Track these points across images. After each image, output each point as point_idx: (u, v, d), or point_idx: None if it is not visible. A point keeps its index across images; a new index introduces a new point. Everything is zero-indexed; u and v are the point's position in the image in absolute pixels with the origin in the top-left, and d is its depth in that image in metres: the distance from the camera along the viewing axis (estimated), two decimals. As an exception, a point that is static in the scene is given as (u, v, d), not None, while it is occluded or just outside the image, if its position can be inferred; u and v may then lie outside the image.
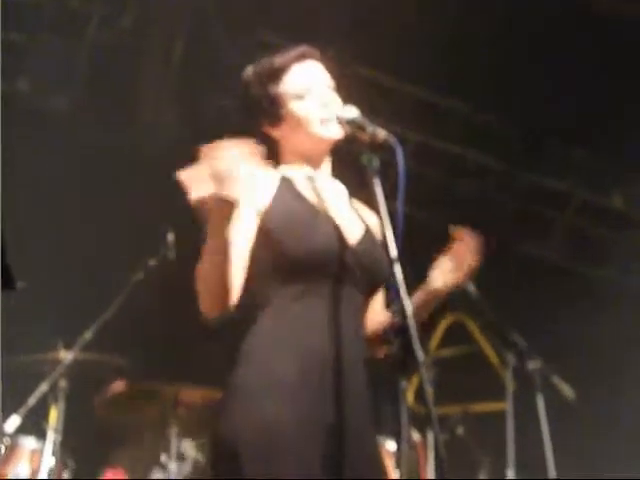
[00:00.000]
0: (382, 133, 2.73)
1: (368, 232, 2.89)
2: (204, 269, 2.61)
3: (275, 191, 2.81)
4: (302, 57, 2.98)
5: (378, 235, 2.88)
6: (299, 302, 2.72)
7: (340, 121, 2.86)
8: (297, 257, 2.71)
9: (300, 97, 2.91)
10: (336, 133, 2.88)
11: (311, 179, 2.93)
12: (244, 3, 6.36)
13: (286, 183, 2.86)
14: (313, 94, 2.92)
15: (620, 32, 6.26)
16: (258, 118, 2.97)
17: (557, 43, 6.42)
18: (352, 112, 2.85)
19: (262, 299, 2.75)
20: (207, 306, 2.65)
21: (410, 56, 6.52)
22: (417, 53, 6.45)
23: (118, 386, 5.51)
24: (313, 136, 2.91)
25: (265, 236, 2.73)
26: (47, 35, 6.33)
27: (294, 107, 2.92)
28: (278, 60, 2.97)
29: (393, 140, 2.72)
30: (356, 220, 2.93)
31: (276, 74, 2.95)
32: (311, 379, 2.65)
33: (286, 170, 2.93)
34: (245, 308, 2.74)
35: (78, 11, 6.47)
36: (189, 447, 5.21)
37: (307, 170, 2.95)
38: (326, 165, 3.00)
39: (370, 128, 2.76)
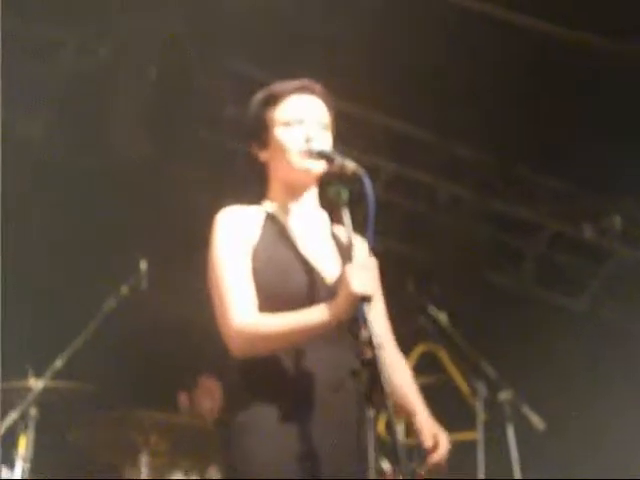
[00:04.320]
0: (351, 165, 2.75)
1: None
2: (291, 337, 2.74)
3: (261, 231, 2.91)
4: (302, 89, 3.04)
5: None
6: None
7: (310, 153, 2.89)
8: (275, 301, 2.80)
9: (287, 125, 2.98)
10: (315, 167, 2.92)
11: (293, 216, 2.99)
12: (217, 31, 6.38)
13: (271, 222, 2.95)
14: (300, 126, 2.97)
15: (591, 64, 6.32)
16: (249, 139, 3.06)
17: (529, 73, 6.47)
18: (319, 144, 2.89)
19: None
20: (249, 351, 2.79)
21: (384, 87, 6.57)
22: (391, 85, 6.50)
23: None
24: (292, 166, 2.95)
25: (253, 273, 2.85)
26: (22, 61, 6.33)
27: (279, 134, 2.98)
28: (278, 87, 3.06)
29: (362, 172, 2.73)
30: (335, 257, 2.98)
31: (273, 99, 3.03)
32: (290, 415, 2.75)
33: (270, 206, 3.01)
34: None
35: (53, 37, 6.48)
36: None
37: (290, 203, 3.01)
38: (310, 195, 3.04)
39: (339, 160, 2.78)
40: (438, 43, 6.23)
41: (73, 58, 6.49)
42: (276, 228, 2.94)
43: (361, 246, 2.96)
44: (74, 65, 6.50)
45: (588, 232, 7.81)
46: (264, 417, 2.76)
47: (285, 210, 3.00)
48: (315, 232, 3.01)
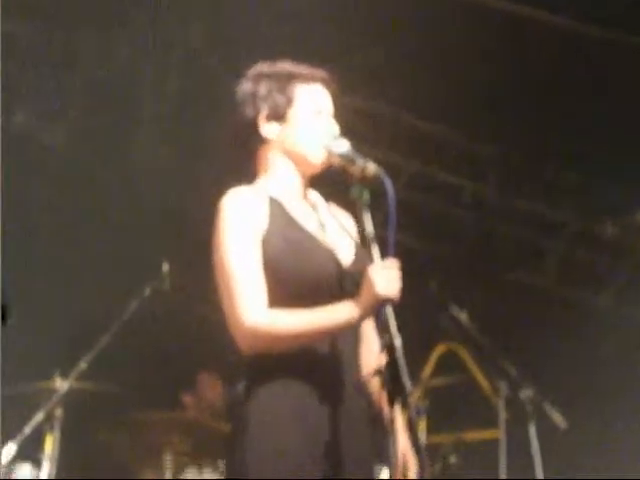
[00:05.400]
0: (372, 167, 2.74)
1: (358, 252, 2.91)
2: (307, 336, 2.69)
3: (268, 217, 2.82)
4: (324, 82, 3.02)
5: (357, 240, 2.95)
6: None
7: (330, 153, 2.89)
8: (296, 287, 2.74)
9: (314, 112, 2.95)
10: (322, 161, 2.92)
11: (296, 198, 2.95)
12: (238, 37, 6.39)
13: (276, 206, 2.86)
14: (321, 117, 2.96)
15: (614, 56, 6.31)
16: (257, 108, 2.95)
17: (551, 71, 6.46)
18: (343, 145, 2.87)
19: None
20: (261, 349, 2.71)
21: (408, 87, 6.58)
22: (415, 84, 6.50)
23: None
24: (308, 155, 2.93)
25: (264, 263, 2.76)
26: (43, 68, 6.36)
27: (305, 117, 2.95)
28: (305, 70, 3.01)
29: (383, 174, 2.72)
30: (346, 240, 2.95)
31: (302, 78, 2.98)
32: (311, 408, 2.71)
33: (272, 188, 2.93)
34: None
35: (74, 45, 6.51)
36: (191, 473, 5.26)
37: (290, 183, 2.96)
38: (308, 178, 3.01)
39: (360, 162, 2.77)
40: (462, 43, 6.23)
41: (94, 65, 6.52)
42: (284, 212, 2.86)
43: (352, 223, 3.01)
44: (95, 72, 6.52)
45: (610, 228, 7.80)
46: (278, 407, 2.71)
47: (287, 191, 2.94)
48: (319, 214, 2.98)
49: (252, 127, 2.95)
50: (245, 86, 3.00)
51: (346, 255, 2.88)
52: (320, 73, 3.03)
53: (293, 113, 2.95)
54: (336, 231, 2.97)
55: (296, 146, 2.94)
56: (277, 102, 2.94)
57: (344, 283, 2.78)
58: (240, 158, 3.02)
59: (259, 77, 3.00)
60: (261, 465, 2.65)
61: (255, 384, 2.74)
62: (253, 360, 2.75)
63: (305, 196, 3.00)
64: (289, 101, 2.95)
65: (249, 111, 2.95)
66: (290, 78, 2.98)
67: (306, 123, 2.94)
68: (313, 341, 2.73)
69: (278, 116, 2.94)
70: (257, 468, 2.65)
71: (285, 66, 3.03)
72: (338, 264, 2.83)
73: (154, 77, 6.58)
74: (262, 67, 3.04)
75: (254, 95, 2.96)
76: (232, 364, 2.83)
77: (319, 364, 2.75)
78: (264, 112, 2.94)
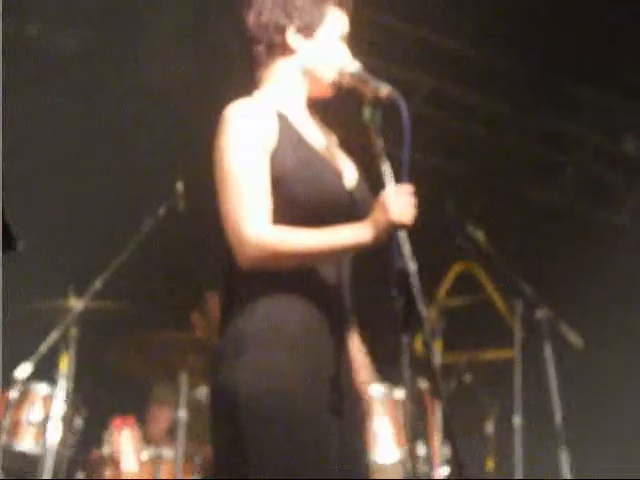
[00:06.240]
0: (385, 88, 2.69)
1: (360, 176, 2.88)
2: (314, 256, 2.63)
3: (277, 131, 2.73)
4: (345, 6, 2.94)
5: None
6: None
7: (342, 73, 2.83)
8: (304, 207, 2.67)
9: (335, 36, 2.89)
10: (333, 83, 2.87)
11: (303, 118, 2.88)
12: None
13: (285, 122, 2.77)
14: (342, 44, 2.90)
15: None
16: (290, 17, 2.85)
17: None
18: (355, 66, 2.83)
19: None
20: (263, 265, 2.59)
21: (424, 1, 6.47)
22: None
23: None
24: (322, 76, 2.88)
25: (272, 181, 2.67)
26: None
27: (329, 38, 2.88)
28: None
29: (397, 95, 2.66)
30: (347, 162, 2.91)
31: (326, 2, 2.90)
32: (313, 329, 2.65)
33: (278, 102, 2.83)
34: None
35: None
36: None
37: (294, 98, 2.88)
38: (313, 100, 2.95)
39: (373, 82, 2.72)
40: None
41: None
42: (292, 128, 2.78)
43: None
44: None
45: (629, 144, 7.74)
46: (278, 326, 2.61)
47: (293, 107, 2.86)
48: (324, 134, 2.94)
49: (280, 33, 2.86)
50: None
51: (350, 179, 2.83)
52: None
53: (322, 33, 2.88)
54: (339, 153, 2.93)
55: (316, 66, 2.87)
56: (310, 17, 2.86)
57: (351, 206, 2.74)
58: (254, 63, 2.93)
59: None
60: (251, 385, 2.55)
61: (253, 300, 2.63)
62: (253, 274, 2.62)
63: (309, 116, 2.94)
64: (321, 19, 2.87)
65: (281, 17, 2.85)
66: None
67: (331, 47, 2.88)
68: (320, 262, 2.67)
69: (308, 32, 2.86)
70: (246, 388, 2.55)
71: None
72: (346, 187, 2.78)
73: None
74: None
75: (287, 2, 2.86)
76: (228, 278, 2.72)
77: (325, 287, 2.69)
78: (296, 23, 2.85)
